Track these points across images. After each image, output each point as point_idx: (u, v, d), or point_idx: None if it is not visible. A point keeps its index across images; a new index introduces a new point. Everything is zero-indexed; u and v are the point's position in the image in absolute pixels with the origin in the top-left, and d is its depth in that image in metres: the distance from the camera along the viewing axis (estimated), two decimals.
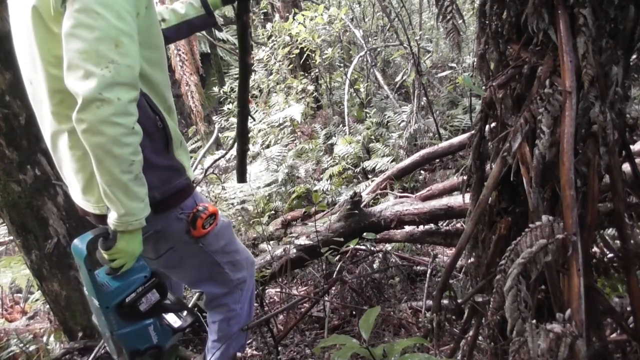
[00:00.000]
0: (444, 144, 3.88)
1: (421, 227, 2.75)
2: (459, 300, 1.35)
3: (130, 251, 1.35)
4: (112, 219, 1.29)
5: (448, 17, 1.33)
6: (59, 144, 1.38)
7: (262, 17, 8.24)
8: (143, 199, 1.29)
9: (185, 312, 1.54)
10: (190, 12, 1.68)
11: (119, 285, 1.36)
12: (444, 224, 2.83)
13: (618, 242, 1.17)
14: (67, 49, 1.13)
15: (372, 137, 5.13)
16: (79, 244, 1.38)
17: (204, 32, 9.10)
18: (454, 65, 6.09)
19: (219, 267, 1.72)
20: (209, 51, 9.94)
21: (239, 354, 2.07)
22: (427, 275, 2.42)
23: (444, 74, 6.17)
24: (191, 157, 2.04)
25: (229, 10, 9.53)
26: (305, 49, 6.12)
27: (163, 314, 1.49)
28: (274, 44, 6.43)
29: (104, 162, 1.18)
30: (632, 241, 1.12)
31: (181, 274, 1.73)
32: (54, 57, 1.22)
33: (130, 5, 1.19)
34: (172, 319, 1.51)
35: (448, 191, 3.16)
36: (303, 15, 5.83)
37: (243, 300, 1.82)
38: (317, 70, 6.41)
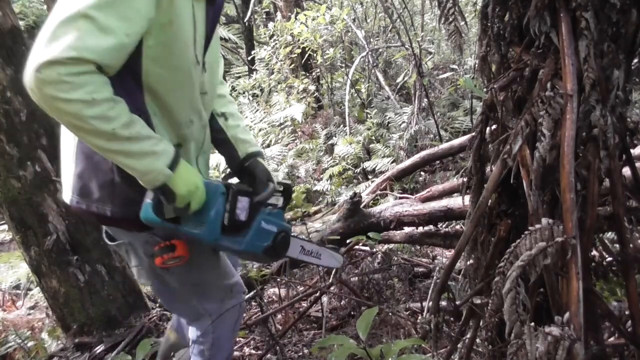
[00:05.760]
0: (444, 145, 3.88)
1: (420, 229, 2.75)
2: (457, 302, 1.36)
3: (189, 190, 1.27)
4: (142, 183, 1.23)
5: (450, 19, 1.33)
6: None
7: (264, 16, 8.25)
8: (153, 152, 1.20)
9: (277, 191, 1.54)
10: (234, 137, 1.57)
11: (208, 218, 1.32)
12: (444, 226, 2.82)
13: (617, 245, 1.17)
14: None
15: (373, 137, 5.13)
16: (147, 214, 1.33)
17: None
18: (455, 67, 6.09)
19: (183, 296, 1.61)
20: None
21: (236, 353, 2.04)
22: (432, 276, 2.42)
23: (445, 75, 6.17)
24: None
25: (231, 10, 9.53)
26: (307, 49, 6.12)
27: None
28: (276, 44, 6.44)
29: (86, 139, 1.14)
30: (631, 245, 1.12)
31: (153, 290, 1.66)
32: None
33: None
34: (274, 200, 1.51)
35: (448, 193, 3.16)
36: (305, 15, 5.84)
37: (217, 333, 1.65)
38: (318, 70, 6.41)
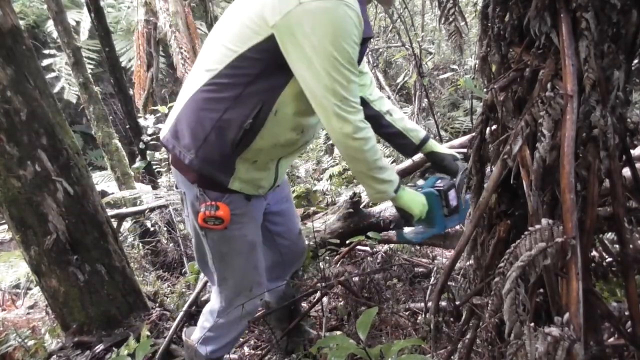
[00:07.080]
0: (445, 145, 3.87)
1: None
2: (457, 302, 1.35)
3: (417, 207, 1.69)
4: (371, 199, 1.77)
5: (450, 19, 1.33)
6: None
7: None
8: (389, 180, 1.58)
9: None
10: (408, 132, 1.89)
11: (435, 219, 1.77)
12: None
13: (617, 246, 1.17)
14: None
15: None
16: (404, 238, 1.93)
17: (205, 30, 9.07)
18: (455, 67, 6.09)
19: (212, 264, 1.71)
20: None
21: (234, 356, 2.06)
22: (432, 276, 2.41)
23: (445, 75, 6.17)
24: None
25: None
26: None
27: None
28: None
29: (354, 164, 1.51)
30: (631, 246, 1.12)
31: (193, 245, 1.79)
32: None
33: None
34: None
35: None
36: None
37: (226, 319, 1.77)
38: None
